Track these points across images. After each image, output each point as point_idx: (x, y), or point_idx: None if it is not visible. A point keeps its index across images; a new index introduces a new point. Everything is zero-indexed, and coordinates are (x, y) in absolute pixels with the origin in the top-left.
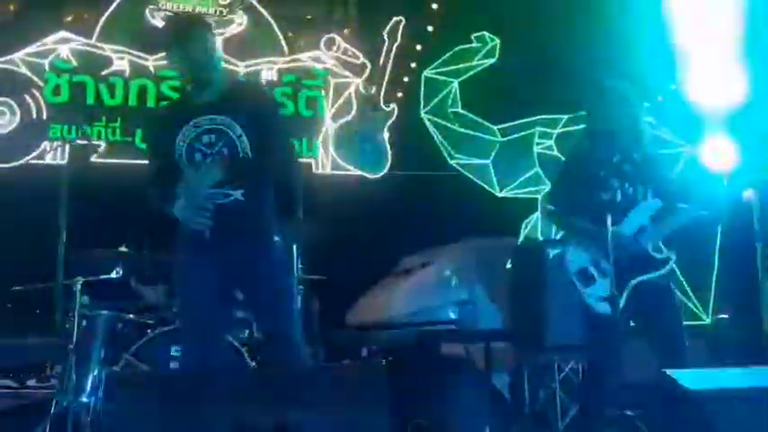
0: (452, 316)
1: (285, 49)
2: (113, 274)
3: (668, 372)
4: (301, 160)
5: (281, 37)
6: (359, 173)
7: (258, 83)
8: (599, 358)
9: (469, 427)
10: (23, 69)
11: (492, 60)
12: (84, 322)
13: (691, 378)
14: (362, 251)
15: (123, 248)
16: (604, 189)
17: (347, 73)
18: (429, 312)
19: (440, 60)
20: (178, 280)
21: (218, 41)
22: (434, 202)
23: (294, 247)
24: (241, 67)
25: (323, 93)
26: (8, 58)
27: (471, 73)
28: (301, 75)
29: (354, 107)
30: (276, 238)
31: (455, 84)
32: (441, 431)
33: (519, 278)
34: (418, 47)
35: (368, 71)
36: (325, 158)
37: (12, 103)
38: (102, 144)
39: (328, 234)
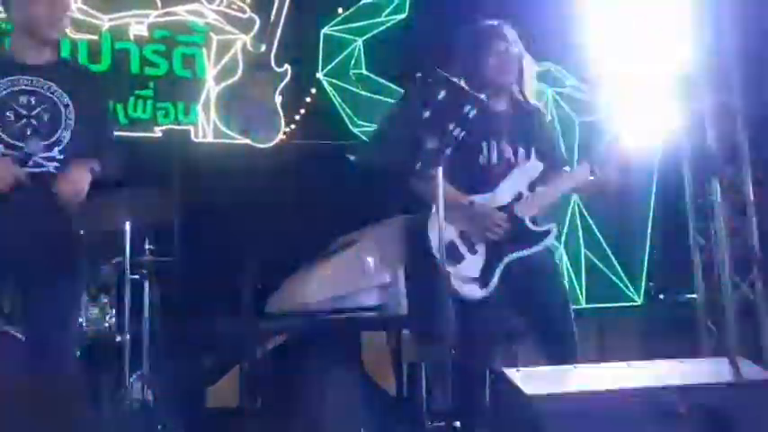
0: (373, 302)
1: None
2: None
3: (505, 369)
4: (178, 127)
5: None
6: (246, 141)
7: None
8: (462, 352)
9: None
10: None
11: (402, 16)
12: None
13: (529, 378)
14: (251, 232)
15: None
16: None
17: (232, 28)
18: (347, 298)
19: (342, 16)
20: None
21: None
22: (336, 176)
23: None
24: (105, 21)
25: (203, 51)
26: None
27: (378, 30)
28: (177, 30)
29: (241, 67)
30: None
31: (359, 42)
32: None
33: (408, 258)
34: None
35: (257, 27)
36: (206, 125)
37: None
38: None
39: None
